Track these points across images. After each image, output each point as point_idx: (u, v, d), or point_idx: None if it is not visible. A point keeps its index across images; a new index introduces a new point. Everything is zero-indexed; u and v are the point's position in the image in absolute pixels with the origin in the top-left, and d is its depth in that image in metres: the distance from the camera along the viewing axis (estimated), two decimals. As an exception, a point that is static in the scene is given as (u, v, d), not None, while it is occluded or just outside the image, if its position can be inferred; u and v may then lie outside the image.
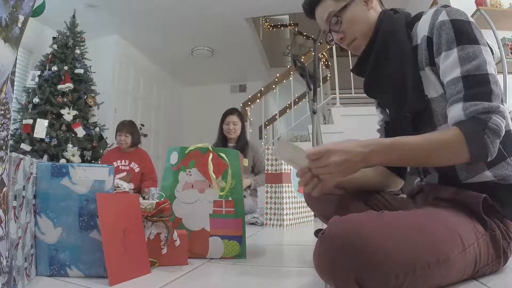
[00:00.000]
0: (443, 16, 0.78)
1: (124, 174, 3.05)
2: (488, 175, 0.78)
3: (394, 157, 0.75)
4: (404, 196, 1.05)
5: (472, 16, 2.49)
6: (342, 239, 0.61)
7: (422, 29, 0.83)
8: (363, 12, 0.91)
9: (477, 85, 0.72)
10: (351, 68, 1.01)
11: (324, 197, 1.09)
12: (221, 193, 1.09)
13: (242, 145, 2.80)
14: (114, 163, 3.11)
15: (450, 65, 0.75)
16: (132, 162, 3.15)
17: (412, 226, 0.65)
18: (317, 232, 0.89)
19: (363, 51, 0.93)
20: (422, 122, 0.84)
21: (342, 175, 0.76)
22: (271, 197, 2.06)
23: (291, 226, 2.01)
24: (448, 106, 0.76)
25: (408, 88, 0.84)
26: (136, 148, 3.27)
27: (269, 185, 2.08)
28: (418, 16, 0.87)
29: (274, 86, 4.44)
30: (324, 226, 0.70)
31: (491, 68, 0.73)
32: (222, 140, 2.86)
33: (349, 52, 4.52)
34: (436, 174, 0.89)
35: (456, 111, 0.73)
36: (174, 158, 1.14)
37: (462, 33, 0.75)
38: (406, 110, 0.87)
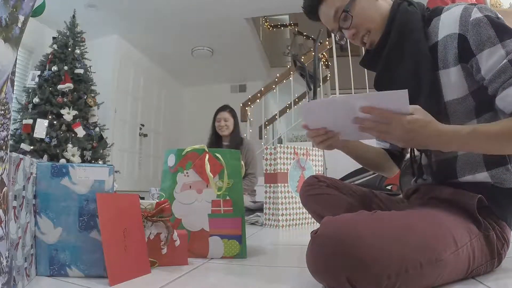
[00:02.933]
0: (476, 13, 0.75)
1: None
2: (485, 176, 0.78)
3: (470, 147, 0.72)
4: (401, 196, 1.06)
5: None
6: (334, 239, 0.61)
7: (447, 26, 0.79)
8: (372, 2, 0.86)
9: None
10: (359, 62, 0.97)
11: (318, 197, 1.09)
12: (218, 193, 1.09)
13: (236, 143, 2.76)
14: None
15: (496, 60, 0.72)
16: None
17: (404, 226, 0.65)
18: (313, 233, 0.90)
19: (376, 44, 0.88)
20: None
21: (395, 140, 0.73)
22: (269, 197, 2.06)
23: (289, 227, 2.00)
24: (500, 93, 0.72)
25: (422, 91, 0.81)
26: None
27: (268, 185, 2.08)
28: (437, 11, 0.83)
29: (274, 86, 4.44)
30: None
31: None
32: (216, 139, 2.82)
33: (349, 52, 4.50)
34: (430, 174, 0.89)
35: None
36: (171, 160, 1.14)
37: (502, 28, 0.73)
38: None
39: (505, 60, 0.70)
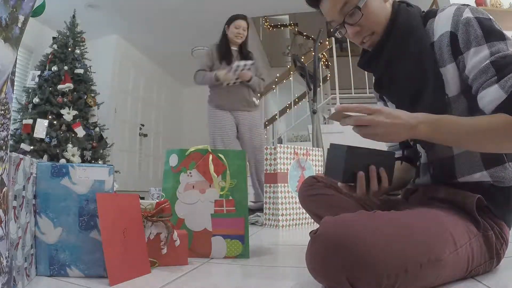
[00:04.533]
0: (467, 13, 0.76)
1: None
2: (484, 175, 0.79)
3: (442, 132, 0.72)
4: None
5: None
6: (334, 239, 0.61)
7: (441, 26, 0.80)
8: (381, 3, 0.85)
9: (509, 65, 0.70)
10: (357, 63, 0.96)
11: (317, 197, 1.09)
12: (221, 192, 1.09)
13: (246, 52, 2.76)
14: None
15: (480, 60, 0.73)
16: None
17: (404, 226, 0.65)
18: (312, 233, 0.90)
19: (376, 44, 0.87)
20: None
21: (384, 139, 0.75)
22: (269, 197, 2.06)
23: (289, 226, 2.00)
24: (480, 92, 0.73)
25: (427, 87, 0.82)
26: None
27: (268, 185, 2.08)
28: (432, 13, 0.84)
29: (274, 86, 4.44)
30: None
31: None
32: (225, 43, 2.76)
33: (349, 52, 4.49)
34: (428, 174, 0.89)
35: (493, 93, 0.70)
36: (173, 160, 1.14)
37: (490, 30, 0.74)
38: (423, 109, 0.82)
39: (487, 61, 0.72)
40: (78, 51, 3.52)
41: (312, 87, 2.91)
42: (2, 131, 0.56)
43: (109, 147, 3.60)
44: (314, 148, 2.29)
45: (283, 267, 1.02)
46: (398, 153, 1.04)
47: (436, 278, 0.66)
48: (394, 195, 1.05)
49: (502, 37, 0.73)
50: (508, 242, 0.80)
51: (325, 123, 4.61)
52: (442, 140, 0.75)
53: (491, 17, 0.77)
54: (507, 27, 2.54)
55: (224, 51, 2.74)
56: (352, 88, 4.04)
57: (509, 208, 0.80)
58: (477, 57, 0.73)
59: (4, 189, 0.57)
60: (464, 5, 0.79)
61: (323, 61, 5.27)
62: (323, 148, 2.69)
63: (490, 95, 0.71)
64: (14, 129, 3.16)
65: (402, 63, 0.86)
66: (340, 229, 0.62)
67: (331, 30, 0.89)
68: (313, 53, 3.05)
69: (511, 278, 0.81)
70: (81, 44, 3.60)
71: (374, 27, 0.85)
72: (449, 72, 0.79)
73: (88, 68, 3.59)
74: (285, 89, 4.55)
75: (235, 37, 2.70)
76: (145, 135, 5.19)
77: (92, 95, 3.54)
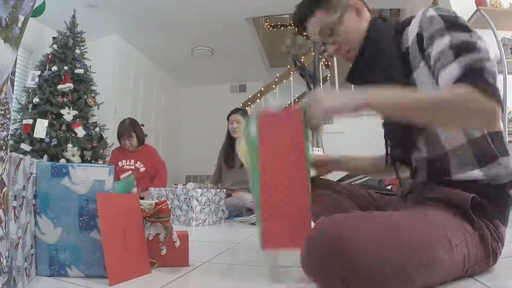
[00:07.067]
0: (431, 12, 0.79)
1: (128, 173, 2.97)
2: (479, 174, 0.79)
3: (395, 101, 0.74)
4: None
5: (472, 16, 2.49)
6: (328, 240, 0.61)
7: (412, 30, 0.84)
8: (356, 22, 0.92)
9: (468, 47, 0.72)
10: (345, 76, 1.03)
11: (314, 197, 1.09)
12: None
13: None
14: (119, 163, 3.03)
15: (441, 47, 0.75)
16: (138, 162, 3.05)
17: (399, 226, 0.66)
18: None
19: (354, 60, 0.94)
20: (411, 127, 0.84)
21: (330, 103, 0.77)
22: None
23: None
24: (439, 75, 0.75)
25: None
26: (143, 146, 3.19)
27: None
28: (408, 21, 0.87)
29: (274, 86, 4.44)
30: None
31: (482, 46, 0.73)
32: (229, 140, 2.90)
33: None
34: (425, 171, 0.89)
35: (450, 71, 0.72)
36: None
37: (452, 22, 0.76)
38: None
39: (447, 47, 0.73)
40: (78, 51, 3.52)
41: (312, 87, 2.91)
42: (2, 131, 0.56)
43: (109, 147, 3.60)
44: (314, 148, 2.29)
45: (283, 267, 1.02)
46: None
47: (431, 277, 0.66)
48: (390, 195, 1.05)
49: (466, 29, 0.75)
50: (504, 240, 0.80)
51: (325, 123, 4.61)
52: (398, 111, 0.75)
53: (457, 15, 0.78)
54: (507, 27, 2.54)
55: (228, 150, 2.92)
56: (352, 88, 4.03)
57: (504, 207, 0.81)
58: (439, 46, 0.75)
59: (4, 189, 0.57)
60: (431, 6, 0.82)
61: (323, 61, 5.27)
62: (323, 148, 2.69)
63: (447, 74, 0.72)
64: (14, 129, 3.16)
65: (373, 76, 0.90)
66: (335, 230, 0.62)
67: (319, 51, 1.00)
68: (313, 53, 3.05)
69: (509, 277, 0.81)
70: (81, 44, 3.60)
71: (349, 44, 0.93)
72: (421, 73, 0.81)
73: (88, 68, 3.59)
74: (285, 89, 4.55)
75: (233, 133, 2.87)
76: (145, 135, 5.19)
77: (92, 95, 3.54)
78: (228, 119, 2.91)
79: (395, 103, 0.74)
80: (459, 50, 0.72)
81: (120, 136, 3.07)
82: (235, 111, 2.94)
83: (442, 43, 0.75)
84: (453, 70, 0.71)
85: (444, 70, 0.73)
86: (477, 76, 0.68)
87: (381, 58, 0.88)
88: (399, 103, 0.74)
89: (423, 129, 0.85)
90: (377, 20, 0.93)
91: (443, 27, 0.76)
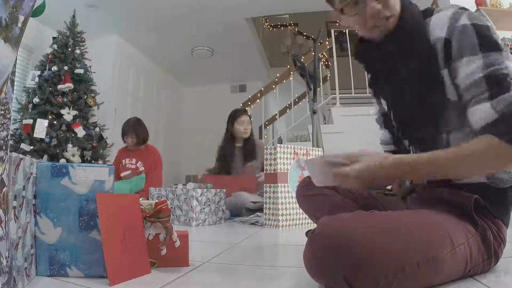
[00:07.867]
0: (464, 20, 0.75)
1: (128, 172, 3.00)
2: (481, 177, 0.79)
3: (422, 173, 0.75)
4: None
5: (472, 16, 2.48)
6: (331, 239, 0.61)
7: (436, 29, 0.78)
8: None
9: (501, 83, 0.69)
10: (354, 57, 0.96)
11: (314, 197, 1.09)
12: None
13: (251, 145, 2.78)
14: (122, 161, 3.12)
15: (472, 71, 0.72)
16: (139, 161, 3.11)
17: (401, 225, 0.66)
18: (308, 232, 0.90)
19: (385, 33, 0.84)
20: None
21: (366, 185, 0.79)
22: (269, 197, 2.06)
23: (289, 227, 2.00)
24: (470, 107, 0.72)
25: (429, 87, 0.80)
26: (146, 146, 3.23)
27: (268, 185, 2.08)
28: (429, 12, 0.83)
29: (274, 86, 4.44)
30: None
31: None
32: (230, 140, 2.83)
33: (349, 52, 4.50)
34: None
35: (484, 111, 0.69)
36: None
37: (486, 39, 0.72)
38: (421, 109, 0.82)
39: (481, 74, 0.70)
40: (78, 51, 3.52)
41: (312, 87, 2.91)
42: (2, 131, 0.56)
43: (109, 147, 3.60)
44: (314, 148, 2.29)
45: (282, 267, 1.02)
46: (390, 147, 1.05)
47: (434, 277, 0.66)
48: (391, 195, 1.05)
49: (497, 48, 0.72)
50: (506, 241, 0.80)
51: (325, 123, 4.61)
52: (426, 177, 0.79)
53: (489, 24, 0.75)
54: (507, 27, 2.54)
55: (229, 149, 2.82)
56: (352, 88, 4.03)
57: (507, 208, 0.81)
58: (470, 67, 0.72)
59: (4, 189, 0.57)
60: (462, 9, 0.78)
61: (323, 61, 5.27)
62: (323, 148, 2.69)
63: (481, 113, 0.70)
64: (14, 129, 3.16)
65: (406, 59, 0.84)
66: (338, 229, 0.62)
67: (339, 5, 0.83)
68: (313, 53, 3.05)
69: (510, 277, 0.81)
70: (81, 44, 3.59)
71: (393, 10, 0.81)
72: (445, 76, 0.78)
73: (88, 68, 3.59)
74: (285, 89, 4.55)
75: (243, 133, 2.77)
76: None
77: (92, 95, 3.54)
78: (235, 119, 2.80)
79: (430, 173, 0.76)
80: (493, 83, 0.69)
81: (123, 134, 3.16)
82: (244, 112, 2.86)
83: (473, 66, 0.71)
84: (487, 111, 0.69)
85: (477, 105, 0.70)
86: None
87: (419, 41, 0.80)
88: (437, 173, 0.75)
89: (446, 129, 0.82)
90: (406, 1, 0.84)
91: (476, 43, 0.72)
